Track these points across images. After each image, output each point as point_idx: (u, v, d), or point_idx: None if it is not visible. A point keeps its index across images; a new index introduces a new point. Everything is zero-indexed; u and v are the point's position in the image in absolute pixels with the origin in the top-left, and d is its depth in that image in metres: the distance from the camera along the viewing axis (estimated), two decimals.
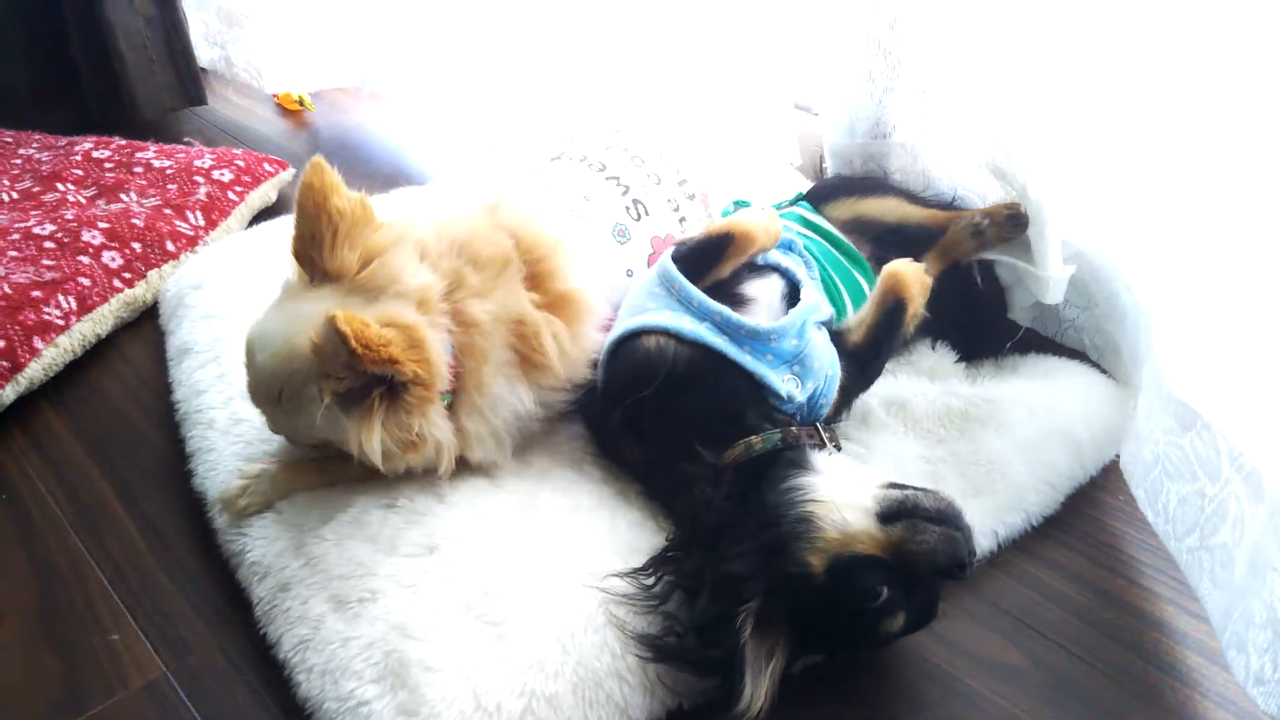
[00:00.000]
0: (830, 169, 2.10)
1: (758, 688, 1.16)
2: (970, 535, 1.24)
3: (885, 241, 1.78)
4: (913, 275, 1.54)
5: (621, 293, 1.60)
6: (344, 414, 1.28)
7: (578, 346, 1.47)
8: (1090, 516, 1.57)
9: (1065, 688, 1.30)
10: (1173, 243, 1.47)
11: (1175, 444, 1.36)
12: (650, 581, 1.26)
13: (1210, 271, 1.36)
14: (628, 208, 1.67)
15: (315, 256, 1.36)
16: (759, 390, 1.38)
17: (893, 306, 1.52)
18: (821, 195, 1.83)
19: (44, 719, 1.26)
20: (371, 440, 1.27)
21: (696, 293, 1.42)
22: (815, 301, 1.48)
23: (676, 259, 1.47)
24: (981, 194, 1.78)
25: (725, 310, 1.40)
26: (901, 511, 1.23)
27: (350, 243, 1.36)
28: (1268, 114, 1.28)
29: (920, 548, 1.20)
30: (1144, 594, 1.44)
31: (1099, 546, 1.52)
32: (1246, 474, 1.21)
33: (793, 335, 1.40)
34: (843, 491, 1.26)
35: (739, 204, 1.79)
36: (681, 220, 1.74)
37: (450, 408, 1.38)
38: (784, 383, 1.38)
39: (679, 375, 1.38)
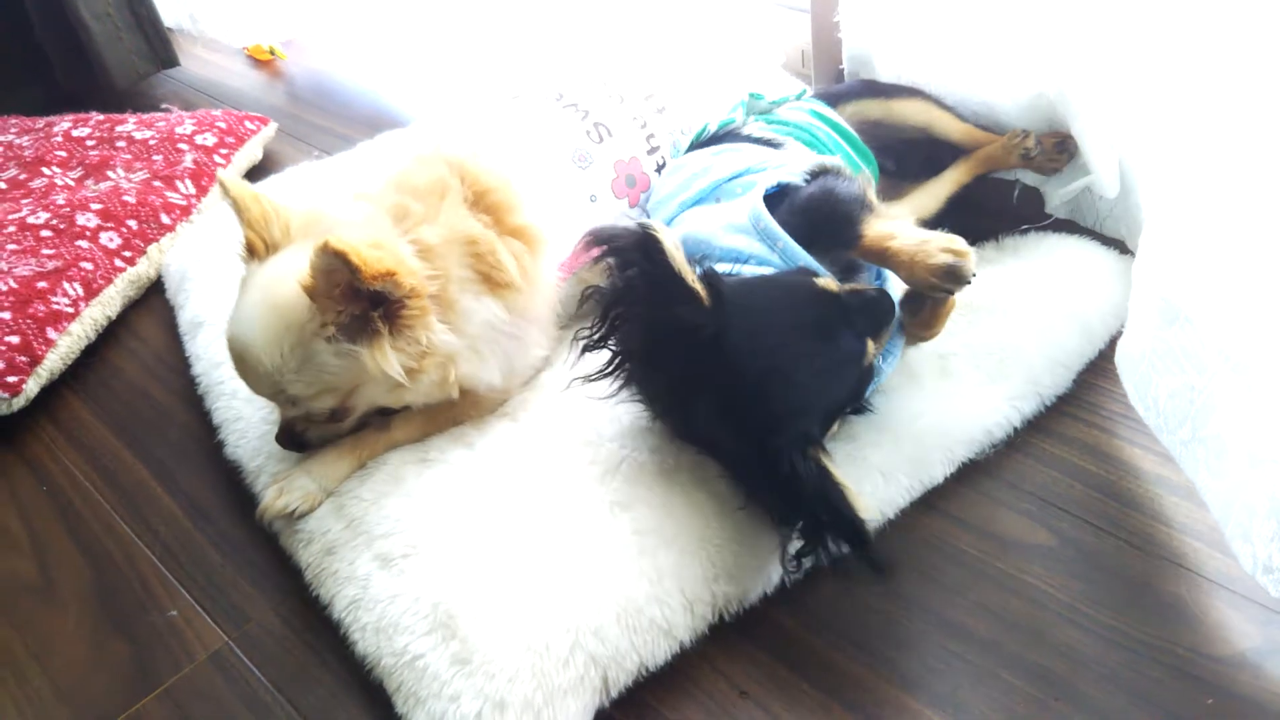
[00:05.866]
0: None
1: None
2: None
3: (904, 154, 1.81)
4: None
5: (584, 219, 1.59)
6: (353, 345, 1.29)
7: (538, 277, 1.47)
8: (1102, 388, 1.59)
9: (1093, 561, 1.34)
10: (1156, 139, 1.46)
11: (1160, 337, 1.35)
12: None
13: (1191, 167, 1.34)
14: (588, 132, 1.66)
15: (265, 236, 1.39)
16: None
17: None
18: (840, 95, 1.84)
19: (120, 698, 1.32)
20: (388, 359, 1.29)
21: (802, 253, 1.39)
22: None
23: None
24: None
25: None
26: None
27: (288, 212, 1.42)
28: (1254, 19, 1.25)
29: None
30: (1161, 459, 1.46)
31: (1113, 417, 1.54)
32: (1235, 365, 1.21)
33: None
34: None
35: (754, 96, 1.77)
36: (650, 136, 1.73)
37: None
38: None
39: None
